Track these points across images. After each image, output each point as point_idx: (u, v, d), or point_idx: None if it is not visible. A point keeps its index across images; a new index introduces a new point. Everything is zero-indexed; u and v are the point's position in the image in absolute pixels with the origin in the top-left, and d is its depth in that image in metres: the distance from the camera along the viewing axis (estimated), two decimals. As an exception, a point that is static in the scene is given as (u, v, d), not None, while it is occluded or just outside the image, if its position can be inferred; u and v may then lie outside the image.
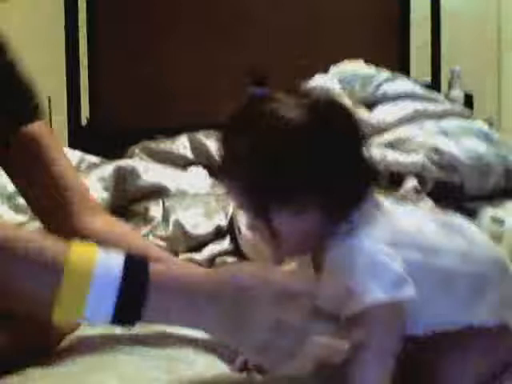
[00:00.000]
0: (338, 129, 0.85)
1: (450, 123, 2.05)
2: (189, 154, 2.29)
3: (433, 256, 0.85)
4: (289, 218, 0.84)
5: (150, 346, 0.99)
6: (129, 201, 1.92)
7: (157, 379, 0.89)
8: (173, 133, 2.40)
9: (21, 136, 1.10)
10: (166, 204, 1.82)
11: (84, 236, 0.93)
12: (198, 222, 1.74)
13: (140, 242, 1.20)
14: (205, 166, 2.19)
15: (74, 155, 2.11)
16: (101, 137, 2.82)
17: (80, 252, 0.77)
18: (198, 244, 1.71)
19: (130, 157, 2.30)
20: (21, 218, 1.76)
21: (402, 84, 2.28)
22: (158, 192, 1.93)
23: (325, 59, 2.36)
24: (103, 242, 0.83)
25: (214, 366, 0.95)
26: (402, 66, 2.93)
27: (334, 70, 2.33)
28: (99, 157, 2.24)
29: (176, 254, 1.62)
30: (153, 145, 2.37)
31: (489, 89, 3.19)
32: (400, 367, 0.81)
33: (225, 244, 1.71)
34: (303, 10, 2.94)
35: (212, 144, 2.18)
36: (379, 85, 2.24)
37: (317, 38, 2.91)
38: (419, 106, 2.14)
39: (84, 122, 2.92)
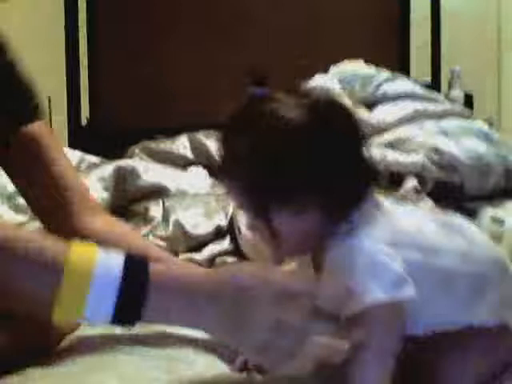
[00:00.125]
0: (338, 129, 0.85)
1: (450, 123, 2.05)
2: (189, 154, 2.29)
3: (433, 256, 0.85)
4: (289, 218, 0.84)
5: (150, 346, 0.99)
6: (129, 201, 1.92)
7: (157, 379, 0.89)
8: (173, 133, 2.40)
9: (21, 136, 1.10)
10: (166, 204, 1.82)
11: (84, 236, 0.93)
12: (198, 222, 1.74)
13: (140, 242, 1.20)
14: (205, 166, 2.19)
15: (73, 155, 2.11)
16: (101, 137, 2.82)
17: (80, 252, 0.77)
18: (198, 244, 1.71)
19: (130, 157, 2.30)
20: (21, 218, 1.76)
21: (402, 84, 2.28)
22: (158, 192, 1.93)
23: (325, 59, 2.36)
24: (103, 241, 0.83)
25: (214, 366, 0.95)
26: (402, 66, 2.93)
27: (334, 70, 2.33)
28: (99, 157, 2.24)
29: (176, 254, 1.62)
30: (153, 145, 2.37)
31: (489, 89, 3.19)
32: (400, 367, 0.81)
33: (225, 244, 1.71)
34: (303, 10, 2.94)
35: (212, 144, 2.18)
36: (379, 85, 2.24)
37: (317, 38, 2.91)
38: (419, 105, 2.14)
39: (84, 122, 2.92)
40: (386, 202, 0.90)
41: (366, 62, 2.37)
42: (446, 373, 0.85)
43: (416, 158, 1.89)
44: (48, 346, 0.99)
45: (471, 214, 1.70)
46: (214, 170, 2.04)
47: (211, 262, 1.66)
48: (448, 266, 0.85)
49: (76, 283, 0.75)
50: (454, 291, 0.85)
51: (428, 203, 1.73)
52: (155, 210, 1.81)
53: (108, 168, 1.96)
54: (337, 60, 2.37)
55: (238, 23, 2.93)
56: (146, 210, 1.82)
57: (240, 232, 1.67)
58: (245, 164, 0.84)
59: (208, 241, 1.72)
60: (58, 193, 1.11)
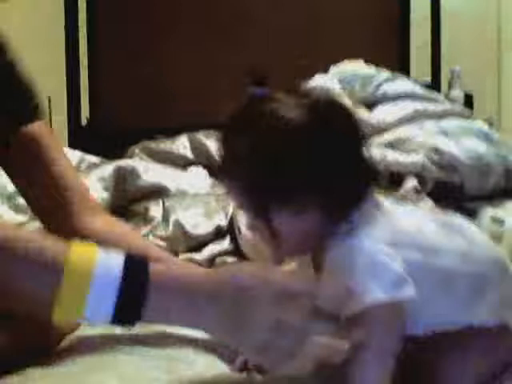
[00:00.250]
0: (338, 129, 0.85)
1: (450, 123, 2.05)
2: (189, 154, 2.29)
3: (433, 256, 0.85)
4: (289, 218, 0.84)
5: (150, 346, 0.99)
6: (129, 201, 1.92)
7: (157, 379, 0.89)
8: (173, 133, 2.40)
9: (21, 136, 1.10)
10: (166, 204, 1.82)
11: (84, 236, 0.93)
12: (198, 222, 1.74)
13: (140, 242, 1.20)
14: (205, 166, 2.19)
15: (73, 155, 2.11)
16: (101, 137, 2.82)
17: (80, 252, 0.77)
18: (198, 244, 1.71)
19: (130, 157, 2.30)
20: (21, 218, 1.76)
21: (402, 84, 2.28)
22: (158, 192, 1.93)
23: (325, 59, 2.36)
24: (103, 241, 0.83)
25: (214, 366, 0.95)
26: (402, 66, 2.93)
27: (334, 70, 2.33)
28: (99, 157, 2.24)
29: (176, 254, 1.62)
30: (153, 145, 2.37)
31: (489, 89, 3.19)
32: (400, 367, 0.81)
33: (225, 244, 1.71)
34: (303, 10, 2.94)
35: (212, 144, 2.18)
36: (379, 85, 2.24)
37: (317, 37, 2.91)
38: (419, 105, 2.14)
39: (84, 122, 2.92)
40: (385, 202, 0.90)
41: (366, 62, 2.37)
42: (446, 373, 0.85)
43: (416, 158, 1.89)
44: (48, 346, 0.99)
45: (471, 214, 1.70)
46: (213, 170, 2.04)
47: (211, 261, 1.66)
48: (448, 266, 0.85)
49: (76, 283, 0.75)
50: (454, 291, 0.85)
51: (428, 203, 1.73)
52: (155, 209, 1.81)
53: (108, 168, 1.96)
54: (337, 60, 2.37)
55: (238, 23, 2.93)
56: (146, 210, 1.82)
57: (240, 232, 1.67)
58: (245, 164, 0.84)
59: (208, 241, 1.72)
60: (58, 193, 1.11)
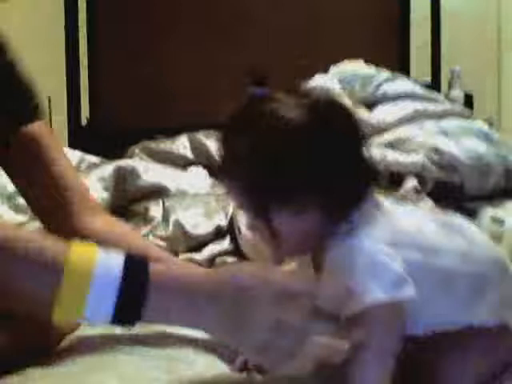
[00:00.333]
0: (338, 129, 0.85)
1: (450, 123, 2.05)
2: (189, 154, 2.29)
3: (433, 256, 0.85)
4: (289, 218, 0.84)
5: (149, 346, 0.99)
6: (129, 201, 1.92)
7: (157, 379, 0.89)
8: (173, 133, 2.40)
9: (21, 136, 1.10)
10: (166, 204, 1.82)
11: (84, 236, 0.93)
12: (198, 222, 1.74)
13: (140, 241, 1.20)
14: (205, 166, 2.19)
15: (73, 155, 2.11)
16: (101, 137, 2.82)
17: (80, 252, 0.77)
18: (198, 244, 1.71)
19: (130, 157, 2.30)
20: (21, 218, 1.76)
21: (402, 84, 2.28)
22: (158, 192, 1.93)
23: (325, 59, 2.36)
24: (103, 241, 0.83)
25: (214, 366, 0.95)
26: (402, 66, 2.93)
27: (334, 70, 2.33)
28: (99, 157, 2.24)
29: (176, 254, 1.62)
30: (153, 145, 2.37)
31: (489, 89, 3.19)
32: (400, 367, 0.81)
33: (225, 244, 1.71)
34: (303, 10, 2.94)
35: (212, 144, 2.18)
36: (379, 85, 2.24)
37: (317, 37, 2.91)
38: (419, 105, 2.14)
39: (84, 122, 2.92)
40: (386, 202, 0.90)
41: (366, 62, 2.37)
42: (446, 373, 0.85)
43: (416, 158, 1.89)
44: (48, 346, 0.99)
45: (471, 214, 1.70)
46: (213, 170, 2.04)
47: (211, 262, 1.66)
48: (448, 266, 0.85)
49: (76, 283, 0.75)
50: (454, 291, 0.85)
51: (428, 203, 1.73)
52: (155, 209, 1.81)
53: (108, 168, 1.96)
54: (337, 60, 2.37)
55: (238, 23, 2.93)
56: (146, 210, 1.82)
57: (240, 232, 1.67)
58: (245, 164, 0.84)
59: (208, 241, 1.72)
60: (58, 193, 1.11)
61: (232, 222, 1.73)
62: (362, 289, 0.79)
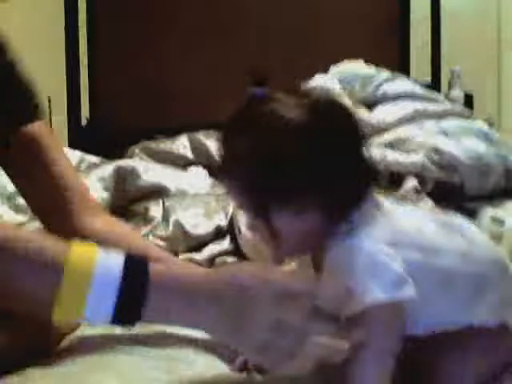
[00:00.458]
0: (338, 129, 0.85)
1: (450, 123, 2.05)
2: (189, 153, 2.29)
3: (433, 256, 0.85)
4: (289, 218, 0.84)
5: (149, 346, 0.99)
6: (129, 201, 1.92)
7: (157, 379, 0.89)
8: (173, 133, 2.40)
9: (21, 136, 1.10)
10: (166, 204, 1.82)
11: (84, 236, 0.93)
12: (198, 222, 1.74)
13: (140, 242, 1.20)
14: (205, 166, 2.19)
15: (74, 155, 2.11)
16: (101, 137, 2.82)
17: (80, 252, 0.77)
18: (198, 244, 1.71)
19: (130, 157, 2.30)
20: (21, 218, 1.76)
21: (401, 84, 2.28)
22: (158, 192, 1.93)
23: (325, 59, 2.37)
24: (103, 242, 0.84)
25: (214, 366, 0.95)
26: (402, 66, 2.93)
27: (334, 70, 2.33)
28: (99, 157, 2.24)
29: (176, 254, 1.62)
30: (153, 145, 2.37)
31: (489, 89, 3.19)
32: (400, 367, 0.81)
33: (225, 244, 1.71)
34: (303, 9, 2.94)
35: (212, 144, 2.18)
36: (379, 85, 2.24)
37: (317, 38, 2.91)
38: (419, 106, 2.15)
39: (84, 122, 2.92)
40: (386, 202, 0.90)
41: (366, 62, 2.38)
42: (446, 373, 0.85)
43: (416, 158, 1.89)
44: (48, 346, 0.99)
45: (471, 214, 1.70)
46: (213, 170, 2.04)
47: (211, 261, 1.66)
48: (448, 266, 0.85)
49: (76, 283, 0.75)
50: (454, 291, 0.85)
51: (428, 203, 1.73)
52: (155, 209, 1.81)
53: (108, 168, 1.96)
54: (337, 60, 2.37)
55: (238, 23, 2.93)
56: (146, 210, 1.82)
57: (240, 232, 1.67)
58: (245, 164, 0.84)
59: (208, 241, 1.72)
60: (58, 193, 1.11)
61: (232, 222, 1.73)
62: (362, 289, 0.79)
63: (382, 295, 0.79)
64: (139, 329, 0.87)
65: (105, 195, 1.88)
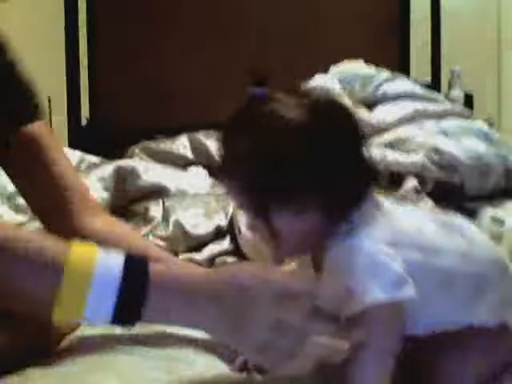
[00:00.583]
0: (338, 129, 0.85)
1: (450, 123, 2.05)
2: (189, 153, 2.29)
3: (433, 256, 0.85)
4: (289, 218, 0.84)
5: (149, 346, 0.99)
6: (129, 201, 1.92)
7: (157, 379, 0.89)
8: (173, 133, 2.40)
9: (21, 136, 1.10)
10: (166, 204, 1.82)
11: (84, 236, 0.93)
12: (198, 222, 1.74)
13: (140, 242, 1.20)
14: (205, 166, 2.19)
15: (73, 155, 2.11)
16: (101, 137, 2.82)
17: (80, 252, 0.77)
18: (198, 244, 1.71)
19: (130, 157, 2.30)
20: (21, 218, 1.76)
21: (402, 84, 2.28)
22: (158, 192, 1.93)
23: (325, 59, 2.37)
24: (103, 242, 0.84)
25: (214, 366, 0.95)
26: (402, 66, 2.93)
27: (334, 70, 2.33)
28: (99, 157, 2.24)
29: (176, 254, 1.62)
30: (153, 145, 2.37)
31: (489, 89, 3.19)
32: (400, 367, 0.81)
33: (225, 244, 1.71)
34: (303, 9, 2.94)
35: (212, 144, 2.18)
36: (379, 85, 2.24)
37: (317, 37, 2.91)
38: (419, 106, 2.15)
39: (84, 122, 2.92)
40: (386, 202, 0.90)
41: (366, 62, 2.38)
42: (446, 373, 0.85)
43: (416, 158, 1.89)
44: (48, 346, 0.99)
45: (471, 214, 1.70)
46: (213, 170, 2.04)
47: (211, 261, 1.66)
48: (448, 266, 0.85)
49: (76, 283, 0.75)
50: (454, 291, 0.85)
51: (428, 203, 1.73)
52: (155, 209, 1.81)
53: (108, 168, 1.96)
54: (337, 60, 2.37)
55: (238, 23, 2.93)
56: (146, 209, 1.82)
57: (240, 232, 1.67)
58: (245, 164, 0.84)
59: (208, 241, 1.72)
60: (58, 193, 1.11)
61: (232, 222, 1.73)
62: (362, 289, 0.79)
63: (382, 295, 0.79)
64: (139, 329, 0.87)
65: (105, 195, 1.88)
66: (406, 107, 2.14)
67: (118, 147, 2.38)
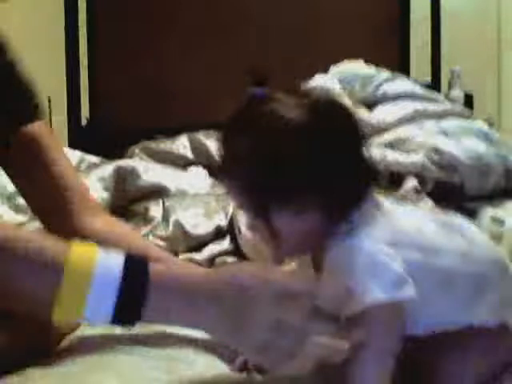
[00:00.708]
0: (338, 129, 0.85)
1: (450, 123, 2.05)
2: (189, 153, 2.29)
3: (433, 256, 0.85)
4: (289, 218, 0.84)
5: (149, 346, 0.99)
6: (129, 201, 1.92)
7: (157, 379, 0.89)
8: (173, 133, 2.40)
9: (21, 136, 1.10)
10: (166, 204, 1.82)
11: (84, 236, 0.93)
12: (198, 222, 1.74)
13: (140, 242, 1.20)
14: (205, 166, 2.19)
15: (74, 155, 2.11)
16: (101, 137, 2.82)
17: (80, 252, 0.77)
18: (198, 244, 1.71)
19: (130, 157, 2.30)
20: (21, 218, 1.76)
21: (401, 84, 2.28)
22: (158, 192, 1.93)
23: (325, 59, 2.37)
24: (103, 242, 0.84)
25: (214, 366, 0.95)
26: (402, 66, 2.93)
27: (334, 70, 2.33)
28: (99, 157, 2.24)
29: (176, 254, 1.62)
30: (153, 145, 2.37)
31: (489, 89, 3.19)
32: (400, 367, 0.81)
33: (225, 244, 1.71)
34: (303, 9, 2.94)
35: (212, 144, 2.18)
36: (379, 85, 2.24)
37: (317, 37, 2.91)
38: (419, 106, 2.15)
39: (84, 122, 2.92)
40: (386, 202, 0.90)
41: (366, 62, 2.38)
42: (446, 373, 0.85)
43: (416, 158, 1.89)
44: (48, 346, 0.99)
45: (471, 214, 1.70)
46: (213, 170, 2.04)
47: (211, 261, 1.66)
48: (448, 266, 0.85)
49: (76, 283, 0.75)
50: (454, 291, 0.85)
51: (428, 203, 1.73)
52: (155, 209, 1.81)
53: (108, 168, 1.96)
54: (337, 60, 2.37)
55: (238, 23, 2.93)
56: (146, 209, 1.82)
57: (240, 232, 1.67)
58: (245, 164, 0.84)
59: (208, 241, 1.72)
60: (58, 193, 1.11)
61: (232, 222, 1.73)
62: (362, 289, 0.79)
63: (382, 295, 0.79)
64: (139, 329, 0.87)
65: (105, 195, 1.88)
66: (406, 107, 2.14)
67: (118, 147, 2.38)
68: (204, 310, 0.77)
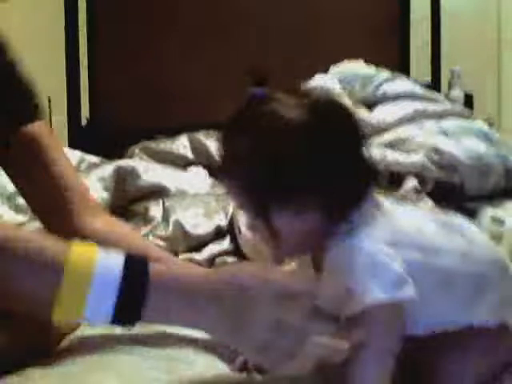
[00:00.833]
0: (338, 129, 0.85)
1: (450, 123, 2.05)
2: (189, 153, 2.29)
3: (433, 256, 0.85)
4: (289, 218, 0.84)
5: (149, 346, 0.99)
6: (129, 201, 1.91)
7: (157, 379, 0.89)
8: (173, 133, 2.40)
9: (21, 136, 1.10)
10: (166, 204, 1.82)
11: (84, 236, 0.93)
12: (198, 222, 1.74)
13: (140, 242, 1.20)
14: (205, 166, 2.19)
15: (74, 155, 2.11)
16: (101, 137, 2.82)
17: (80, 252, 0.77)
18: (198, 244, 1.71)
19: (130, 157, 2.30)
20: (21, 218, 1.76)
21: (401, 84, 2.28)
22: (158, 192, 1.93)
23: (325, 59, 2.37)
24: (103, 242, 0.84)
25: (214, 366, 0.95)
26: (401, 66, 2.93)
27: (334, 70, 2.33)
28: (99, 157, 2.24)
29: (176, 254, 1.62)
30: (153, 145, 2.37)
31: (489, 89, 3.19)
32: (400, 367, 0.81)
33: (225, 244, 1.71)
34: (303, 9, 2.94)
35: (212, 144, 2.18)
36: (379, 85, 2.24)
37: (317, 37, 2.91)
38: (419, 106, 2.15)
39: (84, 122, 2.92)
40: (386, 202, 0.90)
41: (366, 62, 2.38)
42: (446, 373, 0.85)
43: (416, 158, 1.89)
44: (48, 346, 0.99)
45: (471, 214, 1.70)
46: (213, 170, 2.04)
47: (211, 262, 1.66)
48: (448, 266, 0.85)
49: (76, 283, 0.75)
50: (454, 291, 0.85)
51: (428, 203, 1.73)
52: (155, 209, 1.81)
53: (108, 168, 1.96)
54: (337, 60, 2.37)
55: (238, 23, 2.92)
56: (146, 209, 1.82)
57: (240, 232, 1.66)
58: (245, 164, 0.84)
59: (208, 241, 1.72)
60: (58, 193, 1.11)
61: (232, 222, 1.73)
62: (362, 289, 0.79)
63: (382, 295, 0.79)
64: (139, 329, 0.87)
65: (105, 195, 1.87)
66: (406, 107, 2.14)
67: (118, 147, 2.38)
68: (204, 310, 0.77)
